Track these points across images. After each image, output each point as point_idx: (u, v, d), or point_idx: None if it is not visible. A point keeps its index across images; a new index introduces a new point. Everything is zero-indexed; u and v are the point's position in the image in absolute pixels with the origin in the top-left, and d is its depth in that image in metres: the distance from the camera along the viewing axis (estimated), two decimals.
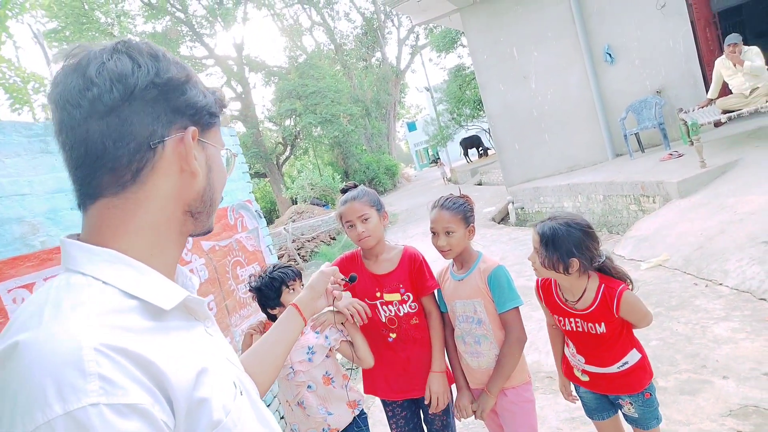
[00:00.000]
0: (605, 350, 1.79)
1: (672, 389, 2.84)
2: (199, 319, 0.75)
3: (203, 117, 0.75)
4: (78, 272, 0.64)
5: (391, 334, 2.04)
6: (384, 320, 2.03)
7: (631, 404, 1.82)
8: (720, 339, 3.22)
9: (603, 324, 1.75)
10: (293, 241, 13.11)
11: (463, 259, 1.94)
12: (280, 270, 2.04)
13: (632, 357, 1.80)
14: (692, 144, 5.77)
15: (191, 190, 0.73)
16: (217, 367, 0.70)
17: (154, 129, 0.68)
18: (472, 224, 1.92)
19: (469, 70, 21.09)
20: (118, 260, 0.66)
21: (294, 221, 16.66)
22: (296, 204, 21.21)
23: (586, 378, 1.88)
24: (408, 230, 12.25)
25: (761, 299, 3.51)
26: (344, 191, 2.08)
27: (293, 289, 2.01)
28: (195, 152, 0.73)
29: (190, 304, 0.72)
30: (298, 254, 12.37)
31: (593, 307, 1.75)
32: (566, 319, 1.84)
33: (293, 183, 22.51)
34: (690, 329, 3.44)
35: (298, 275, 2.06)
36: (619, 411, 1.93)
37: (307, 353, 1.97)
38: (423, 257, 2.10)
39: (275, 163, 28.39)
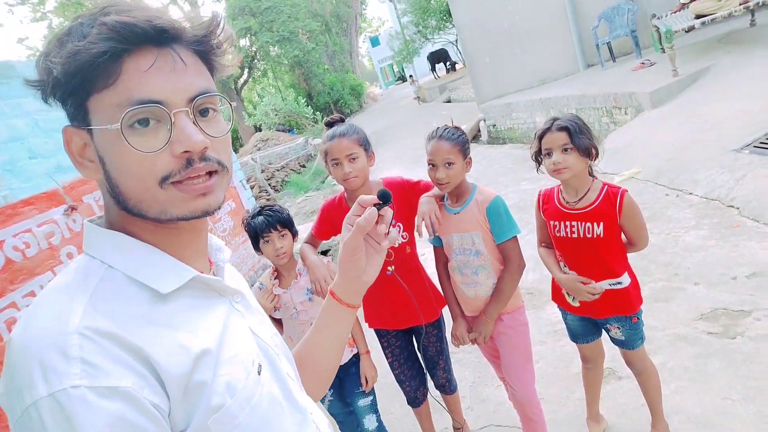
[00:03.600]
0: (597, 261, 1.82)
1: (647, 298, 2.99)
2: (225, 295, 0.73)
3: (65, 99, 0.62)
4: (89, 255, 0.65)
5: (388, 267, 2.02)
6: None
7: (619, 328, 1.89)
8: (691, 247, 3.37)
9: (601, 225, 1.77)
10: (262, 171, 12.83)
11: (458, 192, 1.90)
12: (259, 217, 1.95)
13: (625, 279, 1.84)
14: (664, 51, 5.70)
15: (100, 184, 0.68)
16: (232, 346, 0.67)
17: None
18: (469, 156, 1.86)
19: None
20: (125, 243, 0.66)
21: (259, 149, 16.24)
22: (260, 131, 20.54)
23: (576, 303, 1.93)
24: (378, 154, 12.08)
25: (729, 206, 3.65)
26: (329, 125, 1.97)
27: (268, 240, 1.93)
28: (83, 144, 0.65)
29: (208, 282, 0.70)
30: (269, 184, 12.16)
31: (596, 203, 1.78)
32: (562, 224, 1.85)
33: (255, 109, 21.59)
34: (663, 239, 3.58)
35: (278, 222, 1.94)
36: (603, 332, 2.02)
37: (307, 294, 1.98)
38: (401, 177, 2.09)
39: (233, 88, 27.02)
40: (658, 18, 6.32)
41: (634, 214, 1.76)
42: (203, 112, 0.65)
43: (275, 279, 2.04)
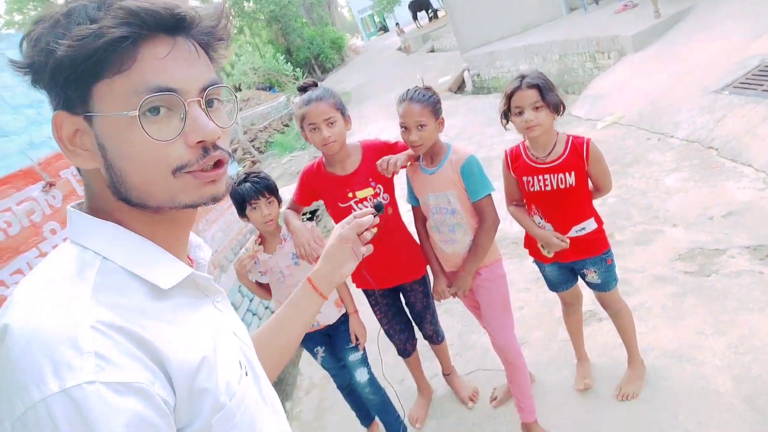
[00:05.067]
0: (570, 208, 1.89)
1: (628, 242, 3.08)
2: (209, 294, 0.72)
3: (68, 83, 0.58)
4: (80, 245, 0.62)
5: (372, 229, 2.05)
6: None
7: (595, 272, 1.98)
8: (671, 190, 3.44)
9: (573, 174, 1.83)
10: (245, 132, 12.61)
11: (433, 153, 1.90)
12: (246, 184, 1.94)
13: (589, 225, 1.92)
14: None
15: (88, 174, 0.65)
16: (224, 348, 0.68)
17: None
18: (441, 116, 1.86)
19: None
20: (120, 234, 0.63)
21: (241, 110, 15.87)
22: (240, 91, 20.03)
23: (551, 254, 2.00)
24: (363, 110, 11.92)
25: (709, 147, 3.70)
26: (303, 89, 1.93)
27: (256, 207, 1.93)
28: (74, 130, 0.61)
29: (197, 280, 0.69)
30: (253, 146, 11.98)
31: (564, 155, 1.84)
32: (535, 178, 1.90)
33: (233, 69, 20.94)
34: (644, 183, 3.64)
35: (266, 189, 1.94)
36: (579, 279, 2.11)
37: (292, 258, 2.01)
38: (378, 139, 2.08)
39: None
40: None
41: (599, 160, 1.84)
42: (209, 103, 0.64)
43: (260, 245, 2.06)
